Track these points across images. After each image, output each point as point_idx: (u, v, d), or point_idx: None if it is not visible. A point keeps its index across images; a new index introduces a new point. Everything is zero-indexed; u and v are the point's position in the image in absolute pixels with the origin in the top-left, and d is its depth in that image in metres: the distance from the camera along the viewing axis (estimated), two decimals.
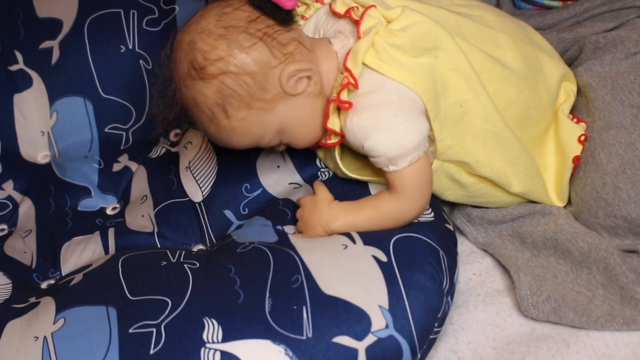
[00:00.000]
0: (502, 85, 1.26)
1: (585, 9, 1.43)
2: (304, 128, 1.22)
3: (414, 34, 1.19)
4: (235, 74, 1.15)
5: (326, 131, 1.21)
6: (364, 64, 1.17)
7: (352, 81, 1.16)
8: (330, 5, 1.26)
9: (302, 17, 1.29)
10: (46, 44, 1.54)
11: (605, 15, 1.40)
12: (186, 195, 1.36)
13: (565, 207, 1.33)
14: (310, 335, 1.07)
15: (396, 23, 1.19)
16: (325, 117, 1.20)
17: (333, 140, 1.21)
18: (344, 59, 1.18)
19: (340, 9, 1.23)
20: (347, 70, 1.17)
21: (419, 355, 1.11)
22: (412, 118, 1.16)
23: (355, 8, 1.22)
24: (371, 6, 1.21)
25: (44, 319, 1.13)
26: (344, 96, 1.17)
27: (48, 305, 1.16)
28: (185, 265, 1.19)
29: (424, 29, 1.20)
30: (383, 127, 1.15)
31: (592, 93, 1.34)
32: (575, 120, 1.34)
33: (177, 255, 1.23)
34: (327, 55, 1.22)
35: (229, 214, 1.32)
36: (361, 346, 1.07)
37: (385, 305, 1.10)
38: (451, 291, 1.18)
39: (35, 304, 1.18)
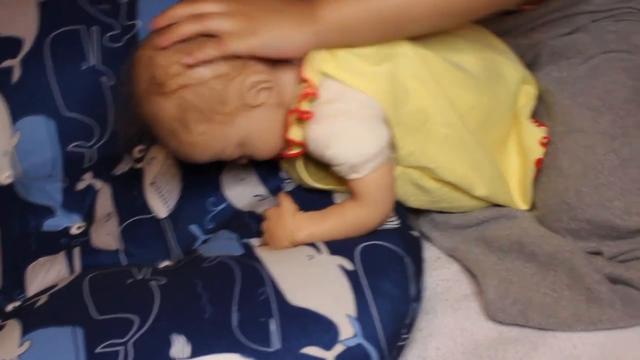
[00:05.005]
0: (462, 90, 1.26)
1: (539, 14, 1.44)
2: (265, 140, 1.22)
3: None
4: (194, 87, 1.15)
5: (288, 142, 1.21)
6: (323, 72, 1.17)
7: (311, 91, 1.17)
8: None
9: None
10: (7, 63, 1.53)
11: (560, 20, 1.41)
12: (151, 212, 1.35)
13: (530, 211, 1.34)
14: (279, 347, 1.07)
15: None
16: (286, 128, 1.20)
17: (295, 150, 1.22)
18: (302, 69, 1.19)
19: None
20: (306, 80, 1.17)
21: None
22: (372, 126, 1.17)
23: None
24: None
25: (9, 342, 1.12)
26: (304, 106, 1.18)
27: (13, 327, 1.14)
28: (151, 282, 1.18)
29: None
30: (344, 135, 1.16)
31: (551, 98, 1.35)
32: (536, 124, 1.35)
33: (143, 272, 1.23)
34: (285, 66, 1.21)
35: (194, 228, 1.32)
36: (330, 355, 1.07)
37: (353, 314, 1.10)
38: (418, 297, 1.19)
39: (0, 327, 1.17)
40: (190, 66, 1.15)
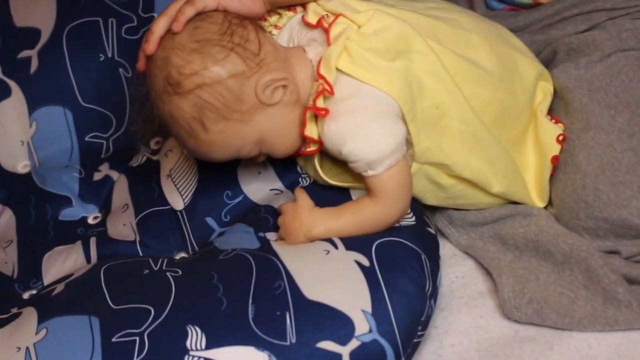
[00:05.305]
0: (477, 86, 1.26)
1: (556, 11, 1.43)
2: (283, 138, 1.22)
3: (387, 37, 1.19)
4: (210, 87, 1.15)
5: (305, 139, 1.21)
6: (338, 69, 1.17)
7: (327, 88, 1.16)
8: (302, 16, 1.26)
9: (276, 26, 1.29)
10: (25, 54, 1.53)
11: (577, 17, 1.41)
12: (167, 204, 1.35)
13: (546, 208, 1.33)
14: (294, 340, 1.07)
15: (367, 27, 1.20)
16: (303, 125, 1.20)
17: (312, 148, 1.21)
18: (317, 66, 1.19)
19: (312, 19, 1.24)
20: (321, 77, 1.17)
21: (403, 359, 1.11)
22: (388, 122, 1.17)
23: (326, 16, 1.22)
24: (339, 15, 1.21)
25: (26, 329, 1.13)
26: (320, 103, 1.17)
27: (30, 315, 1.15)
28: (167, 273, 1.18)
29: (395, 32, 1.20)
30: (360, 132, 1.16)
31: (569, 95, 1.34)
32: (553, 121, 1.35)
33: (159, 263, 1.23)
34: (301, 64, 1.22)
35: (210, 221, 1.32)
36: (345, 351, 1.07)
37: (369, 309, 1.10)
38: (434, 294, 1.19)
39: (17, 315, 1.17)
40: (177, 32, 1.17)
